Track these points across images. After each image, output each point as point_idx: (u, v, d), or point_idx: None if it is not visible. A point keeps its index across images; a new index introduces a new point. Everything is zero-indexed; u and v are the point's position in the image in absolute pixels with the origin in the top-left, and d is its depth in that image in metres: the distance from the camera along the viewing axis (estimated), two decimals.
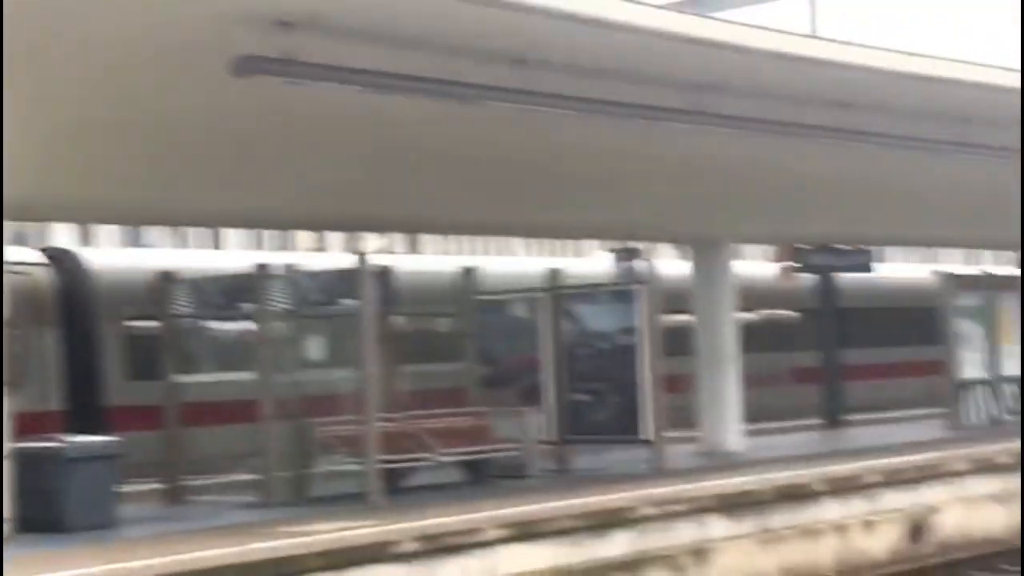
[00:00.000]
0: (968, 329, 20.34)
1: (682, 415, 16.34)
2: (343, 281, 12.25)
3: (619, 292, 15.68)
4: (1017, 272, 23.41)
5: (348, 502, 11.56)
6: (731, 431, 16.93)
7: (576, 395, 14.89)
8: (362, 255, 12.73)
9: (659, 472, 13.72)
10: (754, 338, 21.67)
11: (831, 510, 12.99)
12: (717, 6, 16.61)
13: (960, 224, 20.84)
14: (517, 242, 35.28)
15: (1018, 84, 13.01)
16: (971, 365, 20.28)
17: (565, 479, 14.07)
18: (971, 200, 18.05)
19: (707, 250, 17.25)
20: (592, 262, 23.82)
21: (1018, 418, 19.65)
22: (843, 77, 12.10)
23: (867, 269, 21.73)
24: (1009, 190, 16.85)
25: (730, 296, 17.33)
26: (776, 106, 12.37)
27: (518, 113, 10.67)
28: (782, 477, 13.15)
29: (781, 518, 12.40)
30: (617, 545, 10.67)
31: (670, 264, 21.63)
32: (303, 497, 12.12)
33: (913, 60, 12.57)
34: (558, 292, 15.17)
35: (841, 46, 12.08)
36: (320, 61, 8.82)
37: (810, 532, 12.56)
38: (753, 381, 20.60)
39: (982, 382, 20.34)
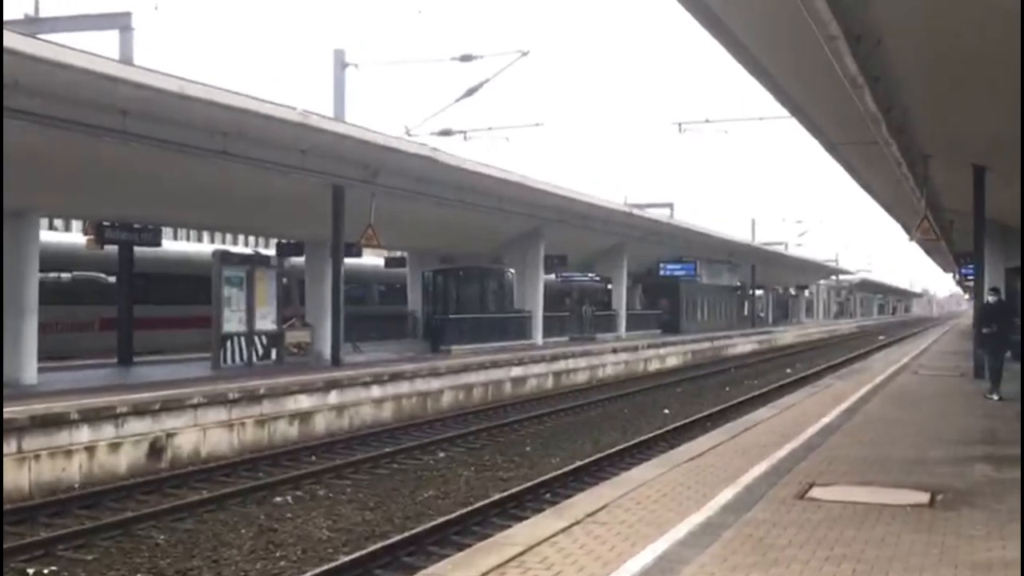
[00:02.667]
0: (232, 293, 25.52)
1: None
2: None
3: None
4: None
5: None
6: (28, 368, 20.05)
7: None
8: None
9: None
10: (67, 293, 27.13)
11: (84, 434, 15.39)
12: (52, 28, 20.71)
13: (231, 215, 27.11)
14: None
15: None
16: (233, 321, 25.47)
17: None
18: (241, 198, 23.98)
19: (15, 221, 19.96)
20: None
21: (267, 362, 25.97)
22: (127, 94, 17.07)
23: (156, 244, 27.06)
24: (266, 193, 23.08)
25: (34, 258, 20.37)
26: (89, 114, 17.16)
27: None
28: (42, 408, 15.12)
29: (36, 441, 14.52)
30: None
31: None
32: None
33: (188, 85, 17.81)
34: None
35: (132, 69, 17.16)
36: None
37: (62, 452, 14.94)
38: (64, 327, 25.86)
39: (240, 334, 25.90)
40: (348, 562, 10.82)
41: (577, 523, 8.02)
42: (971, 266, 35.17)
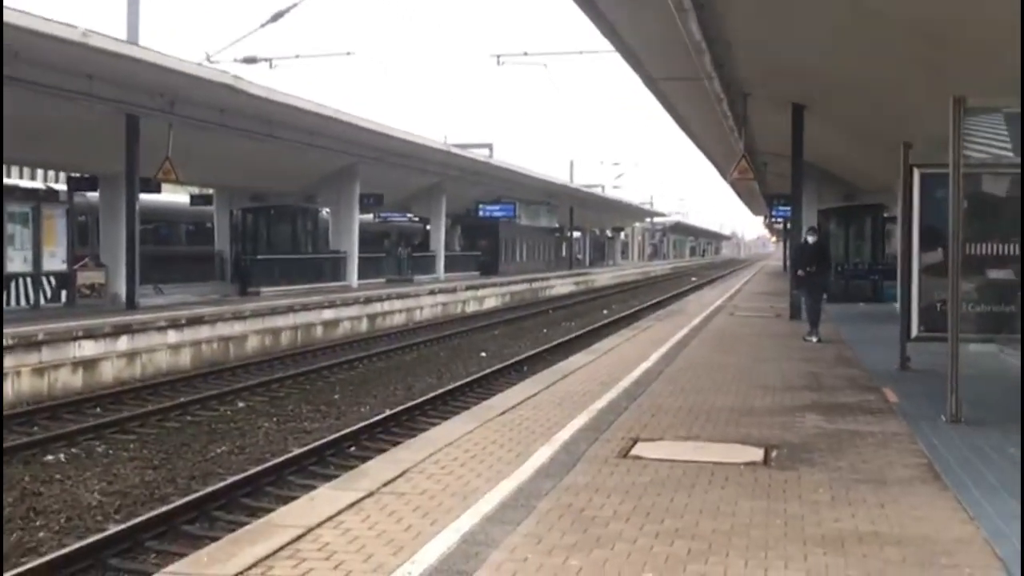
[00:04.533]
0: (16, 231, 23.54)
1: None
2: None
3: None
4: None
5: None
6: None
7: None
8: None
9: None
10: None
11: None
12: None
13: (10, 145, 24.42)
14: None
15: None
16: (17, 261, 23.48)
17: None
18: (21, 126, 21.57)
19: None
20: None
21: (56, 304, 23.86)
22: None
23: None
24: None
25: None
26: None
27: None
28: None
29: None
30: None
31: None
32: None
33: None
34: None
35: None
36: None
37: None
38: None
39: (25, 275, 23.91)
40: (116, 534, 9.43)
41: (370, 495, 6.84)
42: (783, 207, 35.56)
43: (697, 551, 5.59)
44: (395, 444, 12.10)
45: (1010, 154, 9.91)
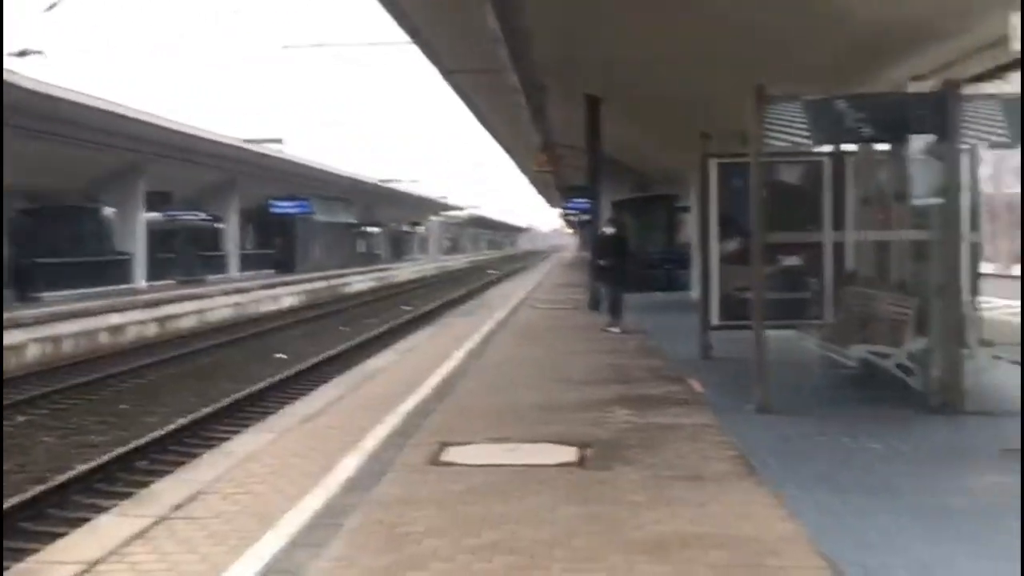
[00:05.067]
0: None
1: None
2: None
3: None
4: None
5: None
6: None
7: None
8: None
9: None
10: None
11: None
12: None
13: None
14: None
15: None
16: None
17: None
18: None
19: None
20: None
21: None
22: None
23: None
24: None
25: None
26: None
27: None
28: None
29: None
30: None
31: None
32: None
33: None
34: None
35: None
36: None
37: None
38: None
39: None
40: None
41: (160, 521, 6.21)
42: (579, 200, 35.97)
43: (518, 567, 5.24)
44: (188, 458, 11.37)
45: (808, 141, 10.04)
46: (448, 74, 21.85)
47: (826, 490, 6.71)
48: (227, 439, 11.07)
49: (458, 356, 15.04)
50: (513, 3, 14.38)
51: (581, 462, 7.74)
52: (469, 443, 8.53)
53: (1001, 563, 5.22)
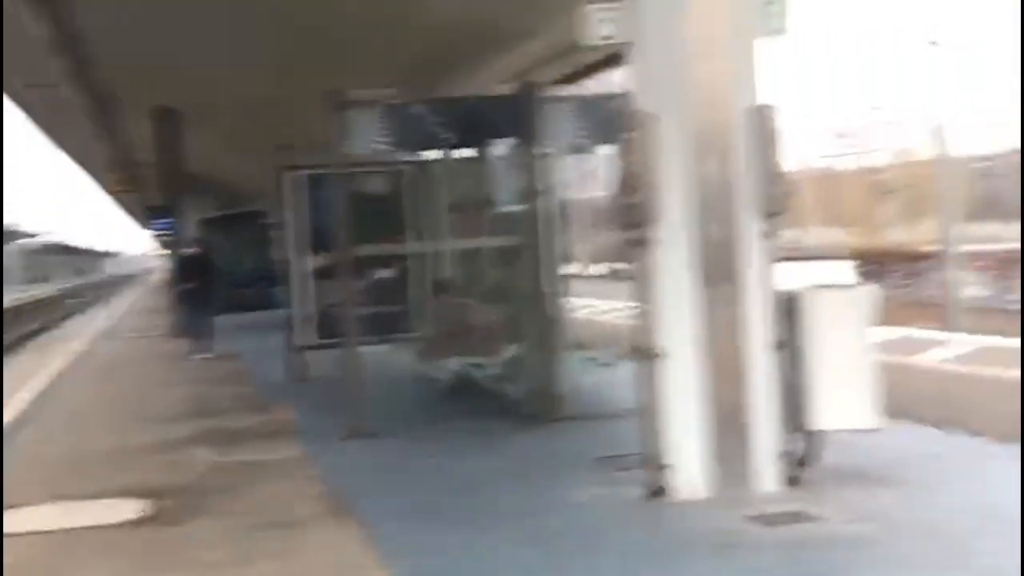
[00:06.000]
0: None
1: None
2: None
3: None
4: None
5: None
6: None
7: None
8: None
9: None
10: None
11: None
12: None
13: None
14: None
15: None
16: None
17: None
18: None
19: None
20: None
21: None
22: None
23: None
24: None
25: None
26: None
27: None
28: None
29: None
30: None
31: None
32: None
33: None
34: None
35: None
36: None
37: None
38: None
39: None
40: None
41: None
42: (163, 220, 34.04)
43: None
44: None
45: (390, 148, 9.62)
46: (13, 93, 19.58)
47: (426, 522, 6.17)
48: None
49: (25, 399, 13.33)
50: (66, 8, 12.94)
51: (154, 517, 6.74)
52: (20, 506, 7.24)
53: None
